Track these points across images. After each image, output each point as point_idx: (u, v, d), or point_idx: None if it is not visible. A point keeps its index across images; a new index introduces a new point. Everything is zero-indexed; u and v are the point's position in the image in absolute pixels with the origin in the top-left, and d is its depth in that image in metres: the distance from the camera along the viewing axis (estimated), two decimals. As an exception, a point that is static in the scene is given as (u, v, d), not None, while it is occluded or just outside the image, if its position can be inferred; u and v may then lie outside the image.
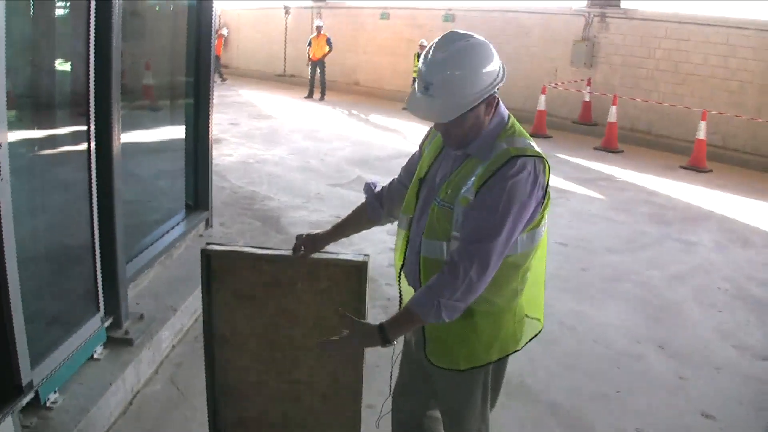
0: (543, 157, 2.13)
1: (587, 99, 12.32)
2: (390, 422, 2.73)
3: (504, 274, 2.14)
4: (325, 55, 15.59)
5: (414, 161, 2.46)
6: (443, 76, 2.04)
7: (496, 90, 2.10)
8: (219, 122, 11.10)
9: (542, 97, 11.97)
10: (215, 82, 17.53)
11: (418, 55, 13.68)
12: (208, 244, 2.74)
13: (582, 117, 12.46)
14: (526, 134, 2.19)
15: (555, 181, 8.16)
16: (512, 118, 2.21)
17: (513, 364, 3.92)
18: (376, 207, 2.56)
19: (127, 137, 4.42)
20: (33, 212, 3.37)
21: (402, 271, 2.36)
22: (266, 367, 2.84)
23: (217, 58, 18.58)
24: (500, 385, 2.47)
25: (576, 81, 12.61)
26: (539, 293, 2.41)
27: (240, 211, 6.76)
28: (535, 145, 2.16)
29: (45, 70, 3.55)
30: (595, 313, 4.82)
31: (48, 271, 3.55)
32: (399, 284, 2.43)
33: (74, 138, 3.42)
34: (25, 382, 2.93)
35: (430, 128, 2.36)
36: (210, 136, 5.60)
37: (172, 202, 5.41)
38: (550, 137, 11.66)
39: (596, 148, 10.89)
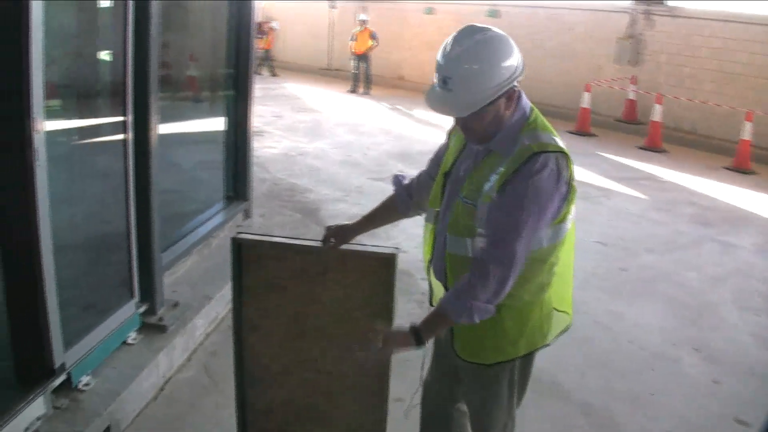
0: (566, 152, 2.10)
1: (631, 97, 12.13)
2: (419, 414, 2.74)
3: (530, 268, 2.13)
4: (369, 49, 15.57)
5: (441, 152, 2.45)
6: (461, 70, 2.03)
7: (516, 84, 2.08)
8: (262, 114, 11.22)
9: (586, 95, 11.82)
10: (264, 75, 17.84)
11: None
12: (239, 233, 2.78)
13: (626, 115, 12.27)
14: (550, 127, 2.17)
15: (597, 180, 8.09)
16: (535, 111, 2.18)
17: (545, 361, 3.96)
18: (404, 199, 2.57)
19: (170, 128, 4.51)
20: (73, 200, 3.45)
21: (430, 265, 2.36)
22: (294, 356, 2.86)
23: (268, 52, 18.78)
24: (527, 381, 2.45)
25: (620, 79, 12.42)
26: (567, 287, 2.38)
27: (280, 203, 6.81)
28: (558, 140, 2.13)
29: (88, 60, 3.63)
30: (631, 313, 4.75)
31: (85, 258, 3.65)
32: (429, 277, 2.43)
33: (115, 128, 3.48)
34: (57, 364, 3.00)
35: None
36: (250, 127, 5.65)
37: (212, 193, 5.48)
38: (594, 135, 11.51)
39: (640, 147, 10.72)
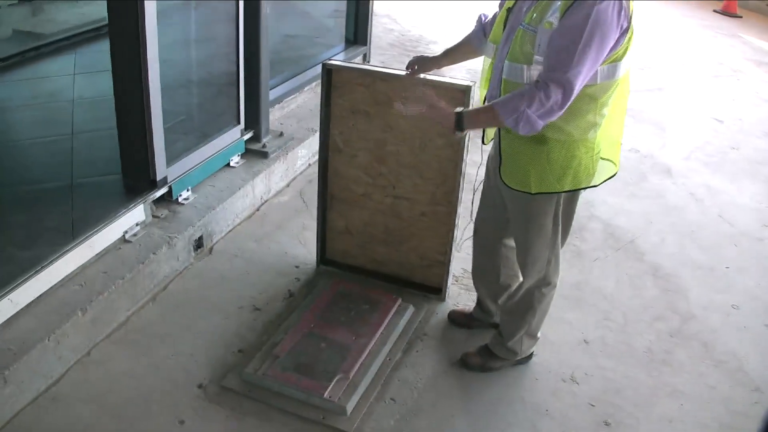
0: None
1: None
2: (471, 247, 2.93)
3: (580, 104, 2.18)
4: None
5: None
6: None
7: None
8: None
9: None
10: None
11: None
12: (329, 59, 2.94)
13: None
14: None
15: (731, 61, 7.67)
16: None
17: (628, 222, 4.06)
18: (480, 36, 2.63)
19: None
20: (200, 41, 3.71)
21: (485, 100, 2.45)
22: (373, 180, 3.07)
23: None
24: (571, 220, 2.55)
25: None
26: (617, 135, 2.43)
27: (403, 52, 6.87)
28: None
29: None
30: (730, 190, 4.66)
31: (197, 91, 4.01)
32: None
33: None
34: (159, 177, 3.34)
35: None
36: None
37: (334, 38, 5.66)
38: (739, 17, 10.75)
39: (786, 32, 9.95)
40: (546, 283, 2.65)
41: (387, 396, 2.70)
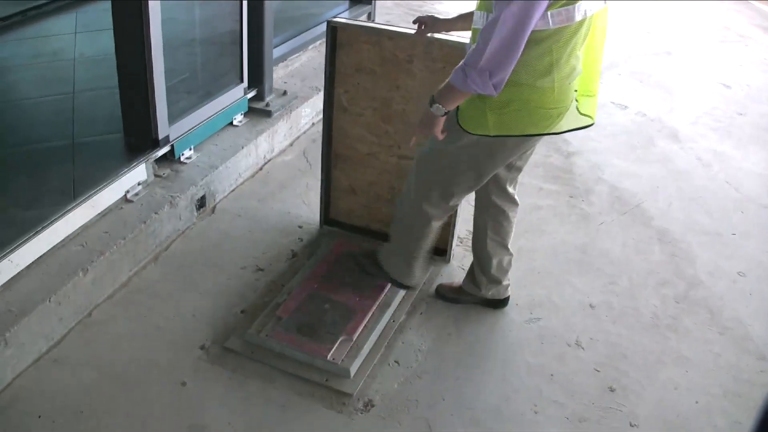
0: None
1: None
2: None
3: (533, 51, 2.08)
4: None
5: None
6: None
7: None
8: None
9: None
10: None
11: None
12: (334, 17, 2.87)
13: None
14: None
15: (738, 26, 7.55)
16: None
17: (635, 186, 4.01)
18: None
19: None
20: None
21: None
22: (378, 140, 3.02)
23: None
24: (493, 171, 2.48)
25: None
26: (587, 86, 2.32)
27: (408, 12, 6.76)
28: None
29: None
30: (736, 156, 4.61)
31: (200, 49, 3.96)
32: None
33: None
34: (161, 135, 3.28)
35: None
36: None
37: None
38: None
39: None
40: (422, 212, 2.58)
41: (391, 359, 2.68)
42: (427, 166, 2.50)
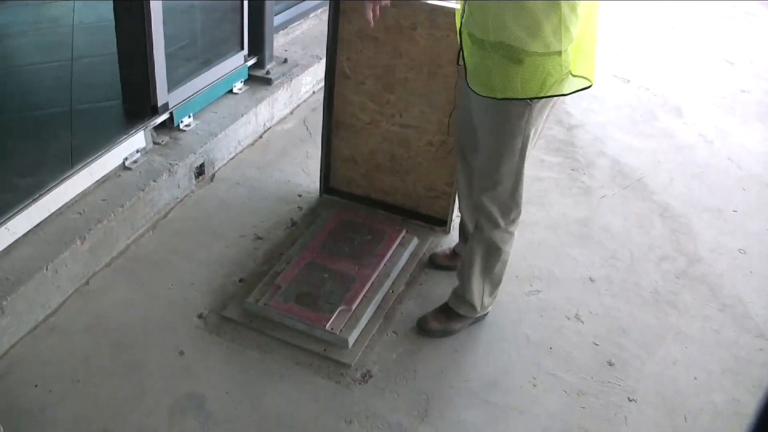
0: None
1: None
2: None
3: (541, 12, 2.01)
4: None
5: None
6: None
7: None
8: None
9: None
10: None
11: None
12: (337, -18, 2.82)
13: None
14: None
15: (745, 3, 7.47)
16: None
17: (636, 160, 3.98)
18: None
19: None
20: None
21: (461, 29, 2.25)
22: (380, 108, 2.99)
23: None
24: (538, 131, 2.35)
25: None
26: (589, 50, 2.20)
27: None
28: None
29: None
30: (740, 133, 4.57)
31: (200, 16, 3.91)
32: (460, 40, 2.26)
33: None
34: (160, 103, 3.24)
35: None
36: None
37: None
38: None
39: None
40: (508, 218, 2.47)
41: (389, 329, 2.67)
42: (504, 174, 2.35)
